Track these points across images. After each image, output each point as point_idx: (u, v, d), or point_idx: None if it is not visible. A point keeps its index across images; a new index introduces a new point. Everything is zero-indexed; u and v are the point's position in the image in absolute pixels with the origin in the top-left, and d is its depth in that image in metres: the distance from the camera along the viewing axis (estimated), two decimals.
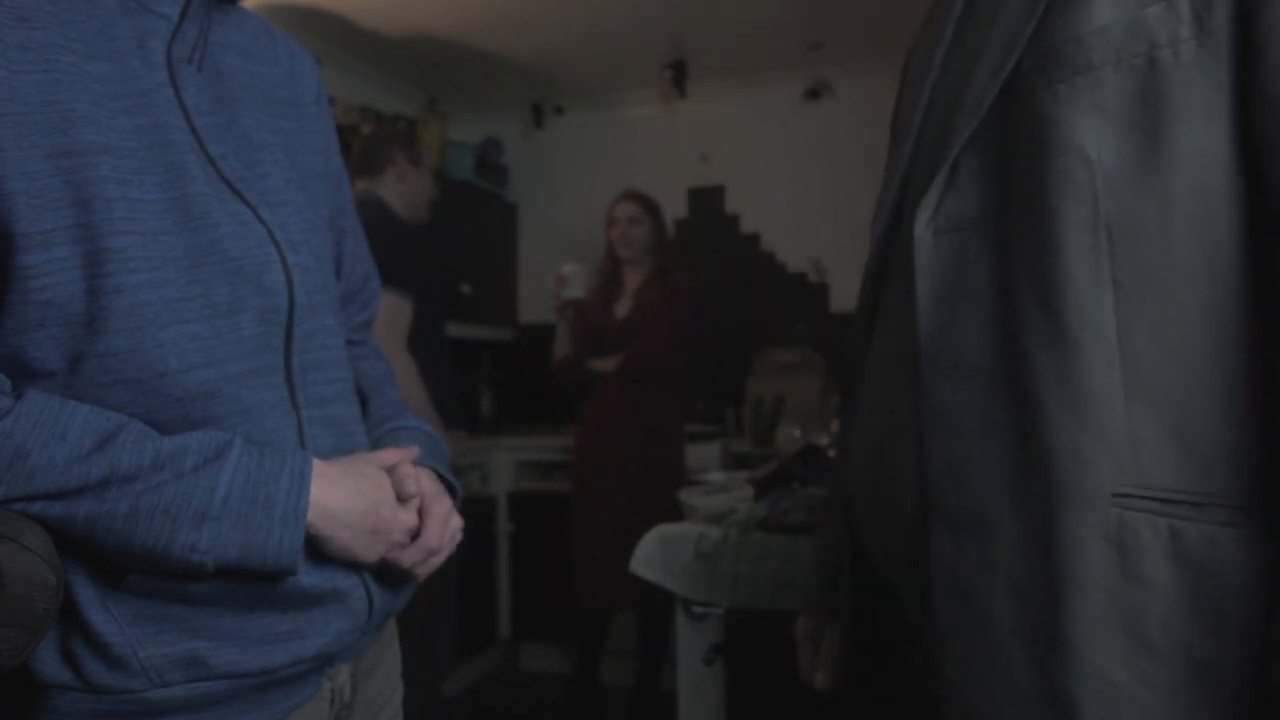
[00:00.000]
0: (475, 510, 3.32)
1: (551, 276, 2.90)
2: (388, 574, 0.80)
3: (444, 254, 3.40)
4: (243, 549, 0.65)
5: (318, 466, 0.70)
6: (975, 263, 0.67)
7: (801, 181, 3.82)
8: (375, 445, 0.88)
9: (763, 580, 1.59)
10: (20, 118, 0.62)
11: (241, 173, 0.76)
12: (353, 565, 0.75)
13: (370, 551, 0.74)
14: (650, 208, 2.93)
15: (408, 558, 0.78)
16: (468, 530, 0.87)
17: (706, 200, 4.02)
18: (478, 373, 3.92)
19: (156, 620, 0.66)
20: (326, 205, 0.88)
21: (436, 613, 2.23)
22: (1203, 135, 0.58)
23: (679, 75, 3.70)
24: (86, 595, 0.65)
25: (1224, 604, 0.58)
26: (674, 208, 4.02)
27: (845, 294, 3.78)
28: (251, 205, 0.75)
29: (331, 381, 0.80)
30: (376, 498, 0.74)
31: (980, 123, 0.66)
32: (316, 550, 0.71)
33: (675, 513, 2.73)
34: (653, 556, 1.69)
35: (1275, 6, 0.56)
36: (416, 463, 0.83)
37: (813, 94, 3.73)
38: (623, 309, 2.89)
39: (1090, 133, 0.61)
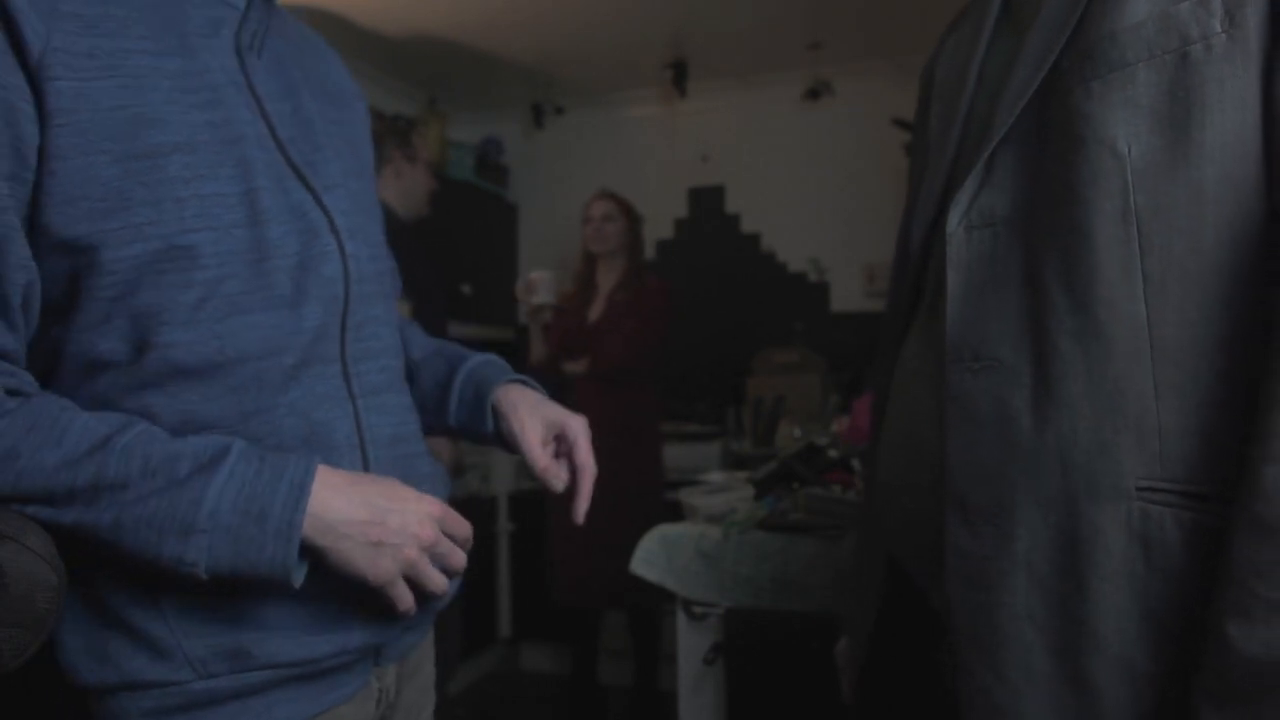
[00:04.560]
0: (475, 510, 3.33)
1: (520, 283, 2.89)
2: None
3: (444, 254, 3.40)
4: (234, 561, 0.63)
5: (322, 474, 0.67)
6: (1004, 256, 0.67)
7: (801, 181, 3.82)
8: (463, 382, 0.94)
9: (763, 580, 1.59)
10: (86, 124, 0.63)
11: (310, 156, 0.77)
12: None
13: (376, 568, 0.67)
14: (625, 207, 2.94)
15: (435, 582, 0.72)
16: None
17: (706, 200, 4.02)
18: None
19: (201, 611, 0.66)
20: (372, 197, 0.90)
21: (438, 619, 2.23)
22: (1231, 128, 0.58)
23: (679, 75, 3.69)
24: (128, 594, 0.65)
25: None
26: (674, 208, 4.03)
27: (845, 294, 3.78)
28: (315, 191, 0.75)
29: (383, 370, 0.80)
30: (384, 507, 0.68)
31: (1016, 121, 0.67)
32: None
33: (652, 514, 2.73)
34: (653, 556, 1.69)
35: None
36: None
37: (813, 94, 3.72)
38: (595, 311, 2.90)
39: (1122, 126, 0.61)
